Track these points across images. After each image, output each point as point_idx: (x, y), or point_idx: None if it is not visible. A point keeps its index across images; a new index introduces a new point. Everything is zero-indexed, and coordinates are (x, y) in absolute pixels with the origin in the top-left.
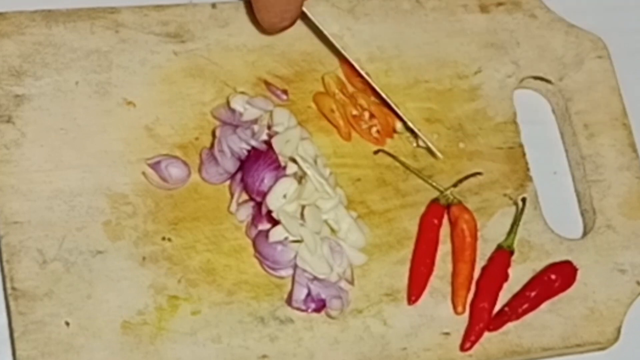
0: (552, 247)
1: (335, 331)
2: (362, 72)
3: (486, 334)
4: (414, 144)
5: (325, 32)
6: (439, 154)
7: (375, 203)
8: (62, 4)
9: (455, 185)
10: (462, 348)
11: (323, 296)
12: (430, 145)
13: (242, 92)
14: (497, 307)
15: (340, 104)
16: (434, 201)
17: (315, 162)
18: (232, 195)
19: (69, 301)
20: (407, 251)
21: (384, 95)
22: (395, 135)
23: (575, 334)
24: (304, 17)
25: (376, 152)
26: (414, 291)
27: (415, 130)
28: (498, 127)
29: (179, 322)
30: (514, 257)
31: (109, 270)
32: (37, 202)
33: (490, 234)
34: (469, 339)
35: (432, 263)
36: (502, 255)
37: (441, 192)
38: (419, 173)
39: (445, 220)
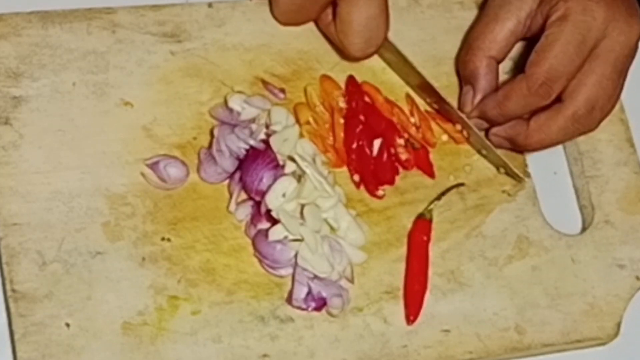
0: (551, 243)
1: (336, 330)
2: (436, 87)
3: (487, 333)
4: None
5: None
6: (523, 177)
7: (374, 201)
8: (58, 5)
9: (438, 198)
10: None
11: (323, 295)
12: (511, 166)
13: (240, 92)
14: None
15: (319, 117)
16: (420, 217)
17: (314, 160)
18: (230, 194)
19: (69, 302)
20: (406, 249)
21: (458, 113)
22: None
23: (575, 330)
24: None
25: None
26: (412, 311)
27: (492, 148)
28: None
29: (179, 322)
30: (512, 254)
31: (109, 271)
32: (35, 203)
33: (489, 230)
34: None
35: (425, 280)
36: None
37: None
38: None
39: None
